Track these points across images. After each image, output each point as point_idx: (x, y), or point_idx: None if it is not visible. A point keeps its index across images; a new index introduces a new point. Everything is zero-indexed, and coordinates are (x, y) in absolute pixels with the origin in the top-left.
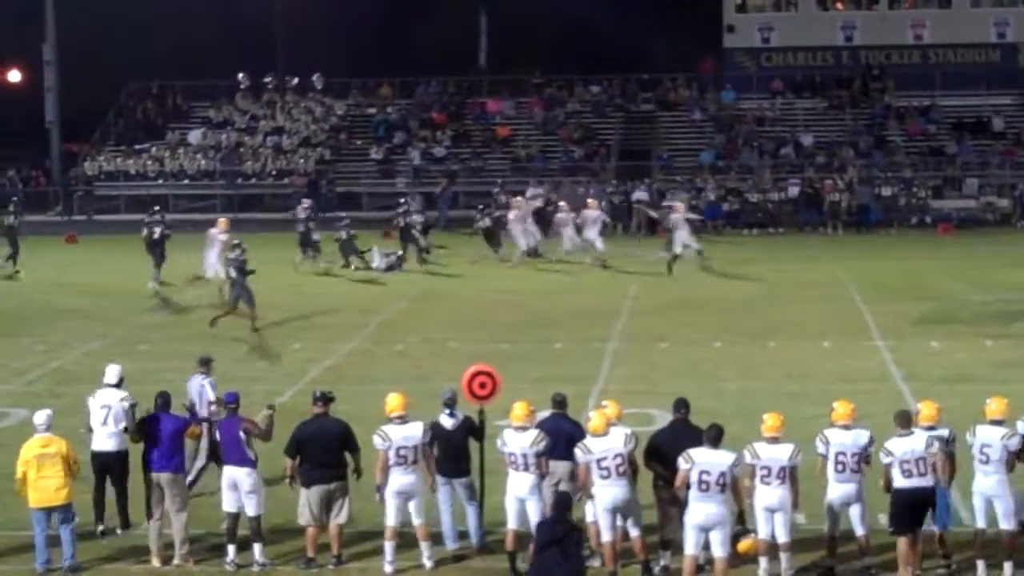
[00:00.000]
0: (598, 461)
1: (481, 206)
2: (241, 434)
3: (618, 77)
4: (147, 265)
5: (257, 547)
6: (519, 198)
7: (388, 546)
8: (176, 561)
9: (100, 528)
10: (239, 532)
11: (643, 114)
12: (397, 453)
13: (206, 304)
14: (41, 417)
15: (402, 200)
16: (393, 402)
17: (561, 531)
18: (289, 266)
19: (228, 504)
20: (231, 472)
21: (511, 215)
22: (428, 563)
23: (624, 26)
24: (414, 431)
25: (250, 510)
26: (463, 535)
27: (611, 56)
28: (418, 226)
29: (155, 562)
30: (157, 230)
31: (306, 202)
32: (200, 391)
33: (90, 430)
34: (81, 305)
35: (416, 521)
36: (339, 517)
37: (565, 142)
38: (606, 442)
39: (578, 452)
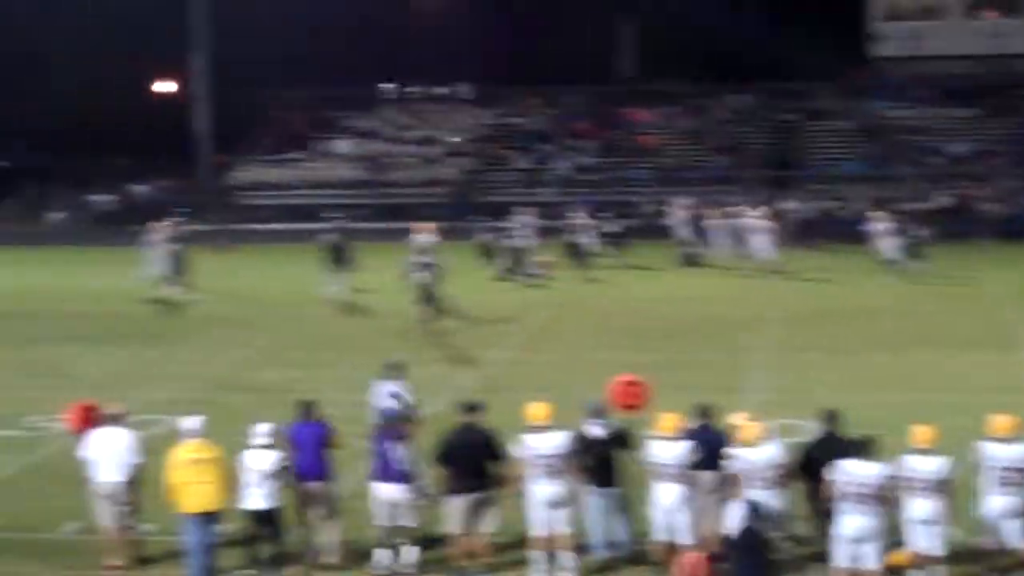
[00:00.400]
0: (748, 471)
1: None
2: (394, 445)
3: (765, 86)
4: (318, 273)
5: (408, 550)
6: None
7: (535, 555)
8: (328, 566)
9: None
10: (390, 539)
11: (789, 124)
12: (538, 462)
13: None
14: (195, 423)
15: (571, 215)
16: (535, 411)
17: (751, 539)
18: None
19: (380, 512)
20: (384, 484)
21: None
22: (569, 574)
23: (771, 35)
24: (556, 440)
25: (406, 518)
26: (613, 546)
27: (758, 65)
28: (592, 239)
29: (303, 569)
30: (332, 237)
31: (527, 218)
32: (385, 398)
33: (243, 486)
34: (231, 313)
35: (562, 530)
36: (487, 526)
37: (711, 152)
38: (758, 452)
39: (728, 461)
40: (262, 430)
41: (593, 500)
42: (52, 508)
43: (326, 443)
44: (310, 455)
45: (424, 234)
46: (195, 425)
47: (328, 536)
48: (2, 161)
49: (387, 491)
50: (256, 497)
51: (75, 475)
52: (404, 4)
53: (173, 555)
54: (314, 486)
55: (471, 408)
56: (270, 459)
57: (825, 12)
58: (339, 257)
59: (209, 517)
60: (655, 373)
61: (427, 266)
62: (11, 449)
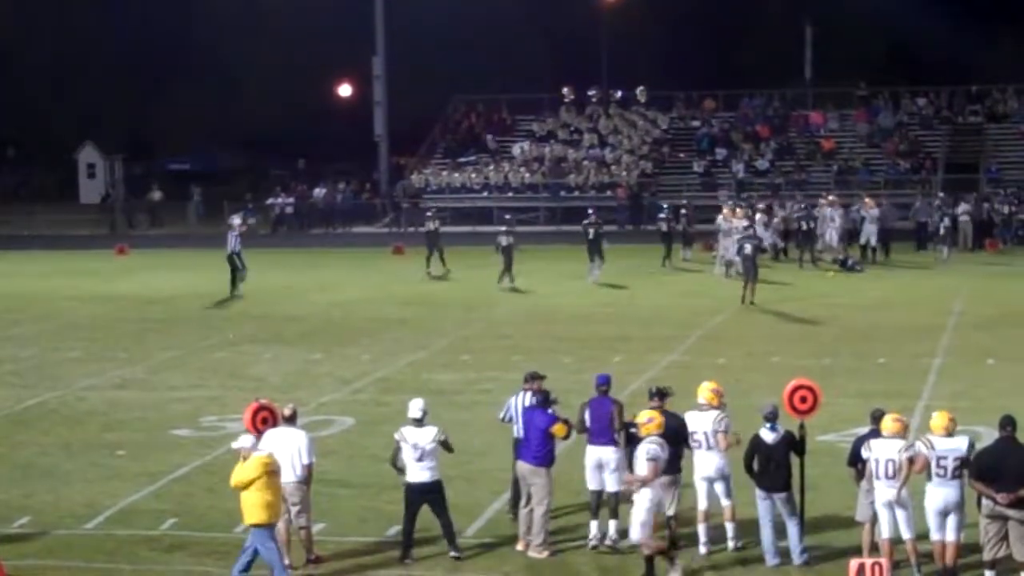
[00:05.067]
0: (937, 459)
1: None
2: (612, 414)
3: (945, 89)
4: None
5: (612, 523)
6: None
7: (701, 528)
8: (531, 553)
9: (406, 562)
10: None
11: (971, 126)
12: (702, 439)
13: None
14: (247, 439)
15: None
16: (701, 391)
17: None
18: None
19: (592, 482)
20: (597, 451)
21: None
22: (733, 543)
23: (951, 37)
24: (718, 418)
25: (611, 487)
26: (783, 552)
27: (938, 68)
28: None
29: (519, 546)
30: (591, 231)
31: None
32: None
33: (400, 468)
34: (406, 316)
35: (724, 502)
36: (670, 510)
37: (890, 155)
38: (950, 443)
39: (920, 446)
40: (416, 404)
41: (764, 504)
42: (226, 507)
43: (551, 431)
44: (532, 440)
45: (738, 219)
46: (246, 443)
47: (536, 520)
48: (182, 164)
49: (599, 453)
50: (417, 472)
51: None
52: (583, 8)
53: (343, 554)
54: (526, 468)
55: (661, 394)
56: (427, 434)
57: (1007, 12)
58: (596, 247)
59: (261, 529)
60: (831, 378)
61: (746, 238)
62: (187, 448)
